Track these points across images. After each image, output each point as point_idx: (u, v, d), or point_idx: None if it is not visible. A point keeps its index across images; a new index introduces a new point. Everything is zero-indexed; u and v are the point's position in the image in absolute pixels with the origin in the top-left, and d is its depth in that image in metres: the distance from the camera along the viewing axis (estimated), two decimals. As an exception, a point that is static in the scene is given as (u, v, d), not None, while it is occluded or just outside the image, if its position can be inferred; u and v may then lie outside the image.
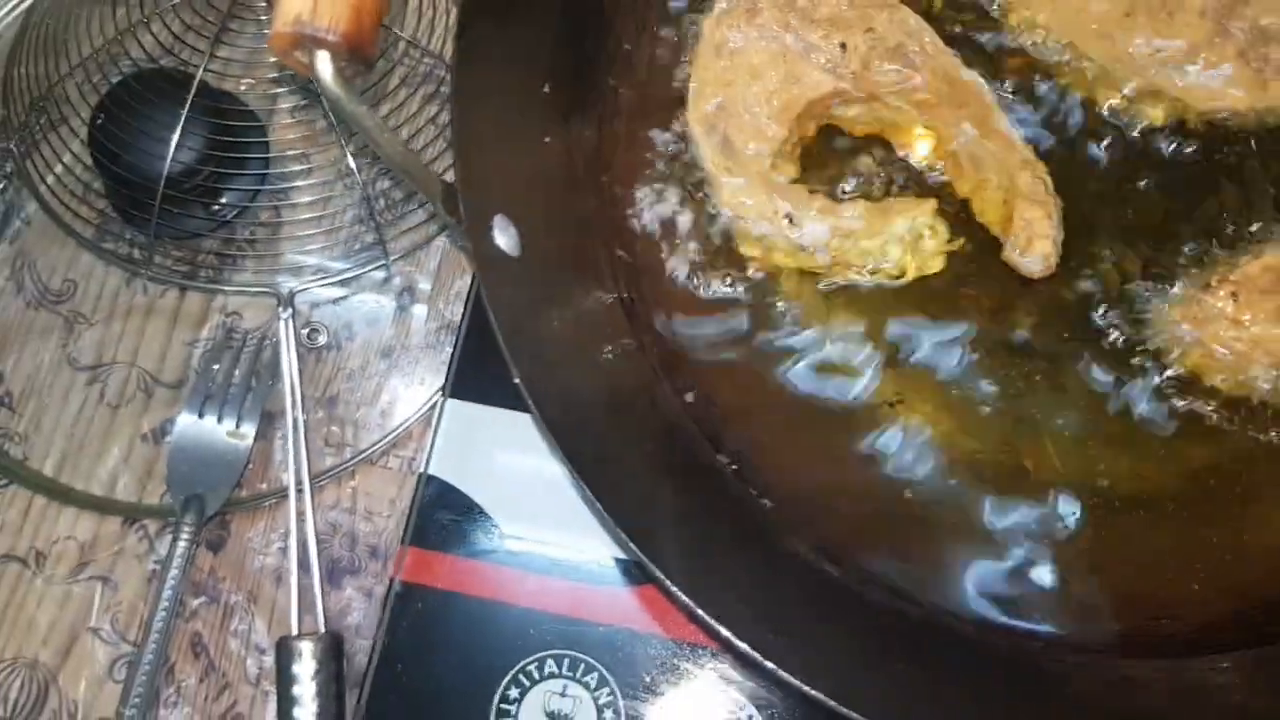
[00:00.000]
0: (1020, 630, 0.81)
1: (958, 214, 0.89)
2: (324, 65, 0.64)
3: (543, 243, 0.80)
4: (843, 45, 0.87)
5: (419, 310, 1.04)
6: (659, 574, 0.69)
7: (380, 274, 1.05)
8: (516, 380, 0.71)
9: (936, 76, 0.87)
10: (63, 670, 0.94)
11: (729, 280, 0.89)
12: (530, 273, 0.78)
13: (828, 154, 0.91)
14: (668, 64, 0.93)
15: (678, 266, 0.90)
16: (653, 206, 0.91)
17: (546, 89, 0.85)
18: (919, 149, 0.90)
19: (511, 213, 0.77)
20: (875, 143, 0.91)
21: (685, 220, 0.91)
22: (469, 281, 1.01)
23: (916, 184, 0.90)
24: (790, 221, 0.85)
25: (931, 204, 0.87)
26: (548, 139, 0.85)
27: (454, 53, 0.75)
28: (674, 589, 0.68)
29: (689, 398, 0.86)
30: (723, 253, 0.90)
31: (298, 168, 1.07)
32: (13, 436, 1.00)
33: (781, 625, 0.71)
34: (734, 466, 0.84)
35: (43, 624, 0.95)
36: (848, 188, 0.89)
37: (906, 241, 0.86)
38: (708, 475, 0.83)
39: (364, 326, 1.07)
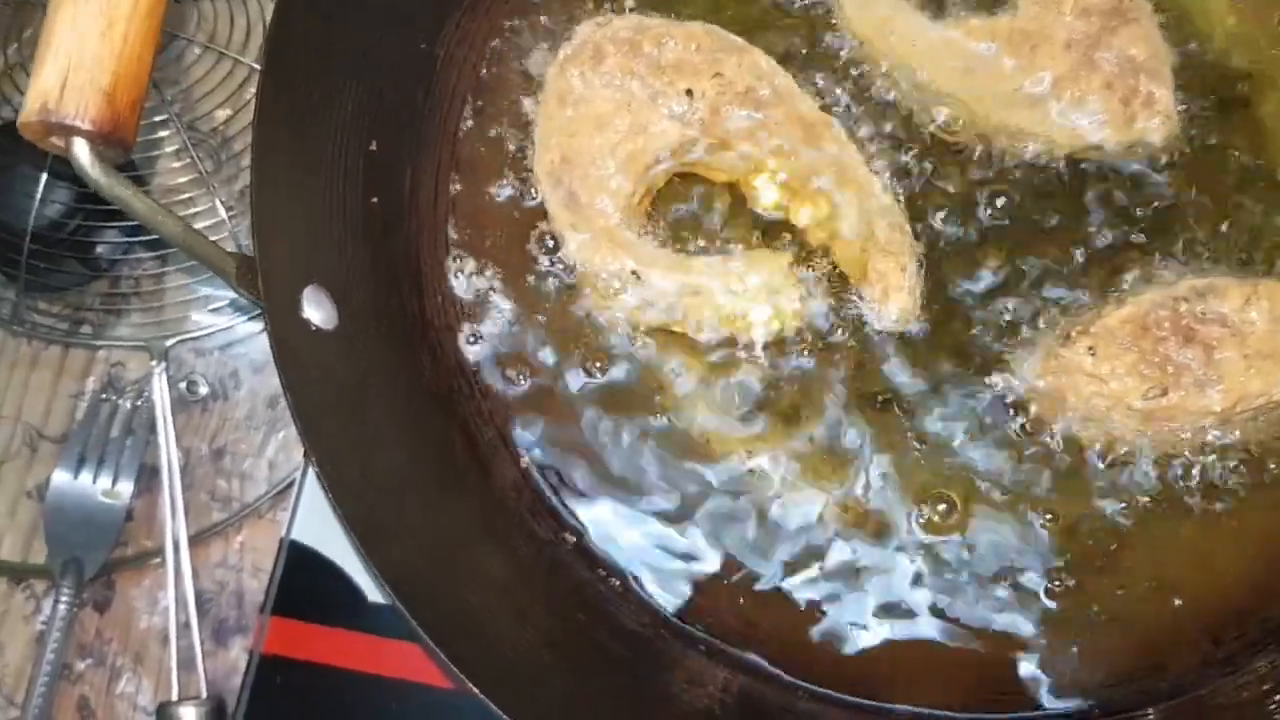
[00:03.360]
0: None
1: (818, 265, 0.85)
2: (81, 151, 0.62)
3: (365, 315, 0.77)
4: (689, 91, 0.83)
5: (305, 356, 1.01)
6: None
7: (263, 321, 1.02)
8: (315, 470, 0.67)
9: (789, 120, 0.83)
10: (-53, 733, 0.91)
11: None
12: (350, 346, 0.74)
13: (680, 204, 0.87)
14: (509, 113, 0.89)
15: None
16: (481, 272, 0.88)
17: (374, 146, 0.81)
18: (775, 197, 0.85)
19: (327, 284, 0.74)
20: (729, 192, 0.87)
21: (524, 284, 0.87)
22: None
23: (772, 235, 0.86)
24: (637, 277, 0.81)
25: (786, 257, 0.83)
26: (374, 199, 0.81)
27: (256, 114, 0.71)
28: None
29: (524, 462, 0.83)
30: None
31: (182, 213, 1.04)
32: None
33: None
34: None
35: (-73, 685, 0.92)
36: (700, 241, 0.85)
37: (761, 298, 0.82)
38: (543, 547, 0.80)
39: (250, 375, 1.04)
